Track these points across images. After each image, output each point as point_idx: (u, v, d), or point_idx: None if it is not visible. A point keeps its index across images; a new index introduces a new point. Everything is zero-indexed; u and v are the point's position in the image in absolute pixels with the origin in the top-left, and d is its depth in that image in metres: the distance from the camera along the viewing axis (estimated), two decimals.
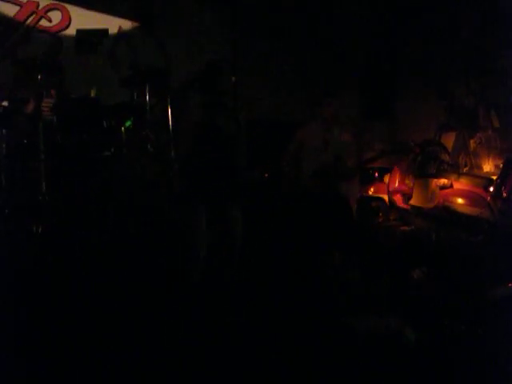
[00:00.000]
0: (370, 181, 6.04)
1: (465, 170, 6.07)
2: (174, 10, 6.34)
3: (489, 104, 6.13)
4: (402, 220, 5.67)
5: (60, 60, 5.91)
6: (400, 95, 7.00)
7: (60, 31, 6.24)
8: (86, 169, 4.70)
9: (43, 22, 6.22)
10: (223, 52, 6.39)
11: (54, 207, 4.49)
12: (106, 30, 5.30)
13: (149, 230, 4.41)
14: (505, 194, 4.86)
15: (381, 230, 5.53)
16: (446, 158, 5.64)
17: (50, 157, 4.61)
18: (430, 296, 3.78)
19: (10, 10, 6.13)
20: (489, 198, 4.97)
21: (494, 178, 5.15)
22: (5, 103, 4.83)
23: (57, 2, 6.24)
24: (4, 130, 4.60)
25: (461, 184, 5.26)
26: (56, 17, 6.25)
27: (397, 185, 5.75)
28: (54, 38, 6.23)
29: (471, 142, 6.25)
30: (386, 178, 5.92)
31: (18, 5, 6.16)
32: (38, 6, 6.21)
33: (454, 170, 5.61)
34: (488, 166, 6.10)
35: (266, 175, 5.58)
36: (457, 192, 5.22)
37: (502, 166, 5.25)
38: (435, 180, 5.41)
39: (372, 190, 5.96)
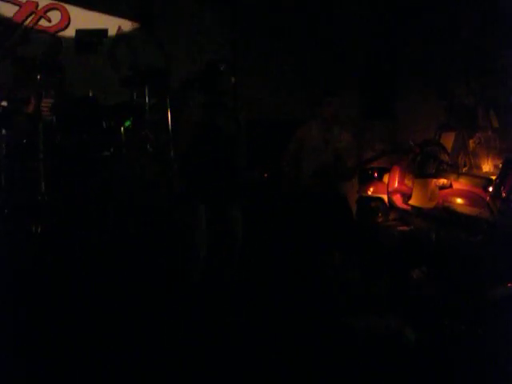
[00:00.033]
0: (370, 181, 6.04)
1: (464, 170, 6.06)
2: (174, 10, 6.34)
3: (488, 104, 6.13)
4: (401, 220, 5.67)
5: (60, 60, 5.91)
6: (400, 95, 7.00)
7: (59, 31, 6.23)
8: (86, 169, 4.70)
9: (43, 22, 6.21)
10: (223, 52, 6.39)
11: (54, 207, 4.49)
12: (106, 30, 5.31)
13: (149, 230, 4.41)
14: (504, 194, 4.86)
15: (380, 230, 5.53)
16: (445, 158, 5.64)
17: (49, 157, 4.61)
18: (430, 296, 3.78)
19: (10, 10, 6.13)
20: (488, 198, 4.96)
21: (494, 178, 5.15)
22: (4, 103, 4.83)
23: (56, 2, 6.23)
24: (4, 130, 4.60)
25: (460, 184, 5.26)
26: (55, 17, 6.24)
27: (396, 185, 5.75)
28: (54, 37, 6.22)
29: (471, 142, 6.25)
30: (386, 178, 5.92)
31: (18, 5, 6.15)
32: (37, 6, 6.20)
33: (454, 170, 5.61)
34: (487, 166, 6.10)
35: (266, 175, 5.58)
36: (456, 192, 5.22)
37: (501, 166, 5.25)
38: (435, 180, 5.41)
39: (371, 189, 5.95)
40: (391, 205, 5.75)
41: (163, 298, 3.69)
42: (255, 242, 4.37)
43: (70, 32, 6.16)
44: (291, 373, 2.95)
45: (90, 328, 3.31)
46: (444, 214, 5.17)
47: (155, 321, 3.43)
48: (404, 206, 5.65)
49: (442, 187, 5.34)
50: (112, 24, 6.10)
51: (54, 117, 4.79)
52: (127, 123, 4.89)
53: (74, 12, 6.25)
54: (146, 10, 5.49)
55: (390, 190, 5.76)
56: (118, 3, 6.22)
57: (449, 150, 5.90)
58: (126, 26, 5.93)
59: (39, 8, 6.21)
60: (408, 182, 5.68)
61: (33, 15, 6.18)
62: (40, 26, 6.21)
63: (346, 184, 5.02)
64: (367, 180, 6.01)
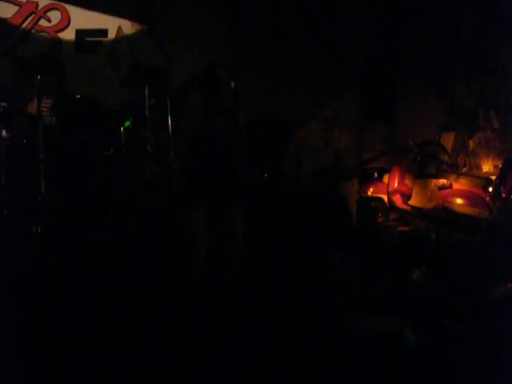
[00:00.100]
0: (370, 181, 6.04)
1: (464, 170, 6.08)
2: (174, 10, 6.34)
3: (488, 104, 6.13)
4: (401, 220, 5.67)
5: (60, 60, 5.91)
6: (400, 95, 7.01)
7: (59, 31, 6.24)
8: (86, 169, 4.69)
9: (43, 22, 6.22)
10: (223, 52, 6.39)
11: (54, 207, 4.49)
12: (106, 30, 5.31)
13: (149, 230, 4.41)
14: (504, 195, 4.87)
15: (380, 230, 5.53)
16: (445, 158, 5.64)
17: (49, 157, 4.61)
18: (430, 296, 3.78)
19: (10, 10, 6.13)
20: (488, 198, 4.97)
21: (493, 178, 5.16)
22: (4, 103, 4.83)
23: (56, 2, 6.23)
24: (4, 130, 4.60)
25: (460, 184, 5.27)
26: (55, 17, 6.25)
27: (396, 185, 5.75)
28: (54, 38, 6.22)
29: (470, 142, 6.26)
30: (386, 178, 5.92)
31: (18, 5, 6.16)
32: (37, 6, 6.21)
33: (454, 170, 5.62)
34: (487, 167, 6.11)
35: (266, 175, 5.58)
36: (456, 192, 5.22)
37: (500, 166, 5.26)
38: (434, 180, 5.41)
39: (371, 190, 5.96)
40: (391, 205, 5.75)
41: (163, 297, 3.69)
42: (255, 242, 4.37)
43: (70, 32, 6.18)
44: (291, 373, 2.95)
45: (90, 328, 3.31)
46: (444, 214, 5.18)
47: (155, 321, 3.43)
48: (404, 206, 5.65)
49: (442, 187, 5.35)
50: (112, 24, 6.11)
51: (53, 117, 4.78)
52: (127, 123, 4.89)
53: (74, 12, 6.26)
54: (145, 9, 5.48)
55: (389, 190, 5.76)
56: (118, 3, 6.22)
57: (449, 150, 5.91)
58: (126, 26, 5.93)
59: (39, 8, 6.22)
60: (408, 182, 5.68)
61: (33, 15, 6.19)
62: (40, 26, 6.22)
63: (345, 184, 5.02)
64: (367, 180, 6.01)
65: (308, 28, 6.80)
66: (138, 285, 3.80)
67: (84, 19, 6.19)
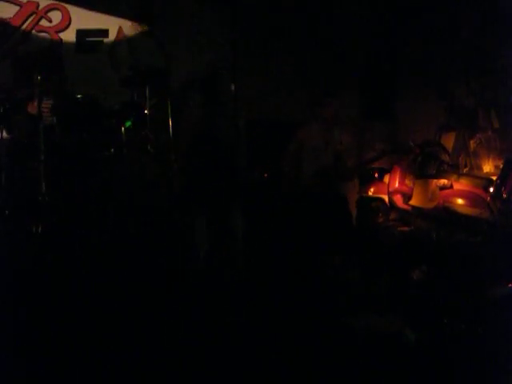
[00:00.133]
0: (370, 181, 6.04)
1: (465, 170, 6.08)
2: (174, 10, 6.34)
3: (489, 104, 6.13)
4: (401, 220, 5.67)
5: (60, 60, 5.91)
6: (400, 95, 7.00)
7: (60, 31, 6.24)
8: (86, 169, 4.70)
9: (43, 22, 6.22)
10: (223, 52, 6.40)
11: (54, 207, 4.49)
12: (106, 30, 5.31)
13: (149, 230, 4.41)
14: (504, 195, 4.87)
15: (381, 230, 5.53)
16: (445, 158, 5.64)
17: (49, 157, 4.61)
18: (430, 295, 3.78)
19: (10, 10, 6.13)
20: (488, 198, 4.97)
21: (494, 178, 5.16)
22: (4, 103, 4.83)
23: (57, 2, 6.23)
24: (4, 130, 4.61)
25: (461, 184, 5.27)
26: (56, 17, 6.24)
27: (397, 185, 5.75)
28: (54, 38, 6.22)
29: (471, 142, 6.26)
30: (386, 179, 5.93)
31: (18, 5, 6.15)
32: (37, 6, 6.21)
33: (454, 170, 5.62)
34: (488, 167, 6.11)
35: (266, 175, 5.59)
36: (457, 192, 5.22)
37: (501, 166, 5.25)
38: (435, 180, 5.41)
39: (372, 190, 5.96)
40: (392, 205, 5.75)
41: (163, 297, 3.69)
42: (255, 242, 4.37)
43: (70, 32, 6.17)
44: (291, 373, 2.95)
45: (90, 328, 3.31)
46: (444, 215, 5.18)
47: (155, 320, 3.43)
48: (404, 207, 5.65)
49: (443, 187, 5.35)
50: (112, 24, 6.11)
51: (54, 117, 4.79)
52: (128, 123, 4.89)
53: (75, 12, 6.25)
54: (146, 9, 5.49)
55: (390, 190, 5.76)
56: (118, 3, 6.22)
57: (449, 151, 5.91)
58: (126, 26, 5.94)
59: (40, 8, 6.22)
60: (408, 182, 5.68)
61: (33, 15, 6.19)
62: (40, 26, 6.22)
63: (346, 184, 5.02)
64: (368, 180, 6.01)
65: (308, 28, 6.80)
66: (138, 285, 3.80)
67: (84, 19, 6.19)
